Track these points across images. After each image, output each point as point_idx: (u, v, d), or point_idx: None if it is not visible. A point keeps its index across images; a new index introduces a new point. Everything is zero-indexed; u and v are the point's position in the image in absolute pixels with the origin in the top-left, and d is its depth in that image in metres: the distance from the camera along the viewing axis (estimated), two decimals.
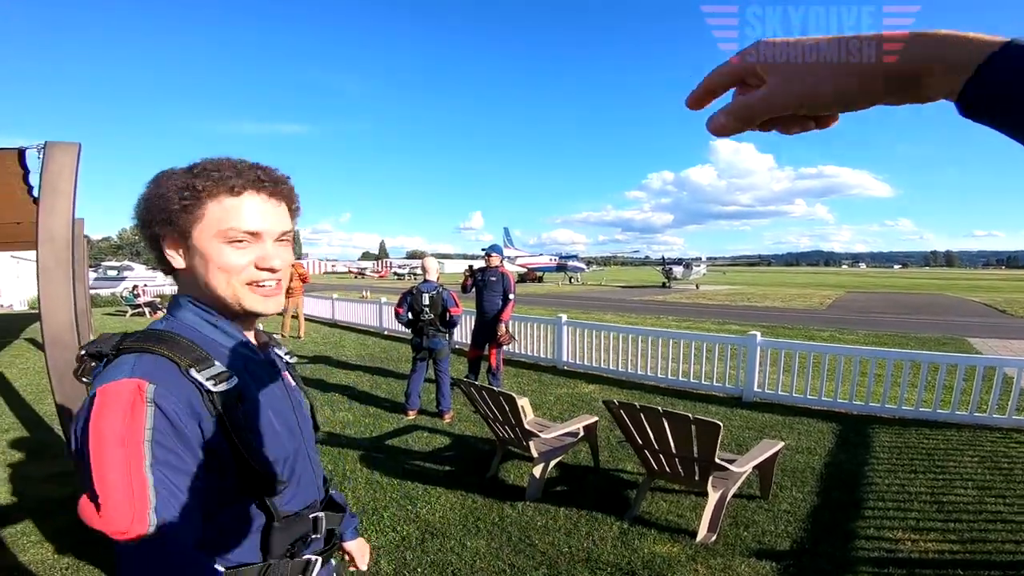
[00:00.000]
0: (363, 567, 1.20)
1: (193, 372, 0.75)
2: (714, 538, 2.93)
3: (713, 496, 2.97)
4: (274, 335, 1.04)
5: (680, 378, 6.38)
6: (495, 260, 5.91)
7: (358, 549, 1.22)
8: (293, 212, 0.91)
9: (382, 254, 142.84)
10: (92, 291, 14.33)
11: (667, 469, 3.12)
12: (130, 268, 27.70)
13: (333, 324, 13.19)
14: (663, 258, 40.37)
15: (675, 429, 2.90)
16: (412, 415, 5.23)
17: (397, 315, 5.22)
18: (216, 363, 0.79)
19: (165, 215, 0.80)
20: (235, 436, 0.76)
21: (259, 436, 0.82)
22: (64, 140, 2.93)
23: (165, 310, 0.91)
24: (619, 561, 2.77)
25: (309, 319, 13.25)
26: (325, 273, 75.94)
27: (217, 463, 0.76)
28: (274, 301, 0.87)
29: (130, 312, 16.02)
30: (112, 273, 26.34)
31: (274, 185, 0.85)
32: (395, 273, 60.51)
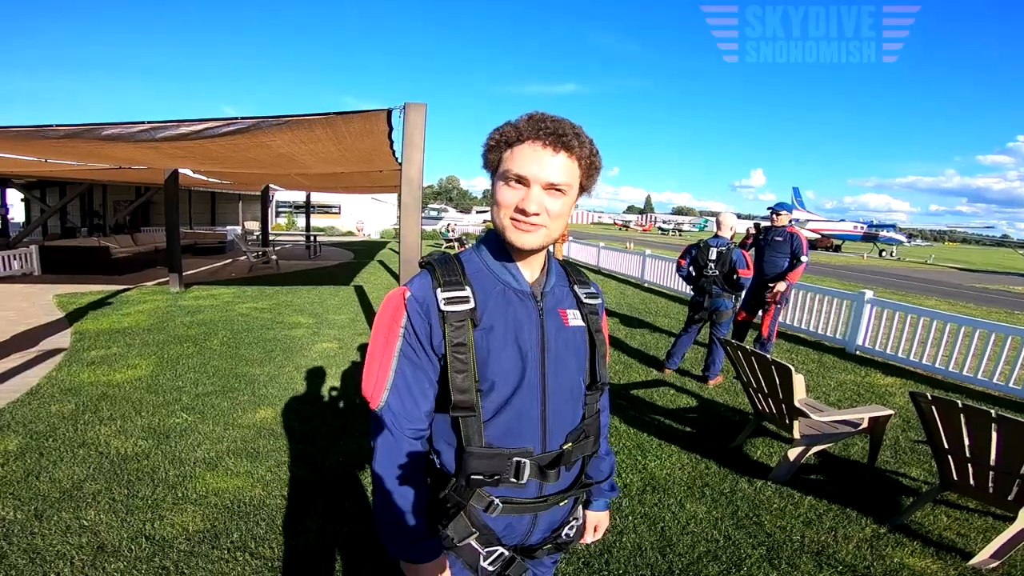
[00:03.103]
0: (587, 540, 1.19)
1: (438, 291, 0.90)
2: (994, 565, 2.30)
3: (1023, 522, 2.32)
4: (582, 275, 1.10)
5: None
6: (783, 219, 5.29)
7: (592, 520, 1.19)
8: (583, 167, 0.92)
9: (647, 208, 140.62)
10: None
11: (971, 482, 2.47)
12: (446, 210, 35.01)
13: (597, 271, 14.01)
14: None
15: (1006, 438, 2.27)
16: (667, 374, 5.12)
17: (679, 267, 5.04)
18: (466, 288, 0.91)
19: (484, 155, 0.95)
20: (449, 351, 0.88)
21: (472, 360, 0.89)
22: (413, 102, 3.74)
23: (468, 245, 1.10)
24: (855, 562, 2.38)
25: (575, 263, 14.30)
26: (592, 223, 79.48)
27: (440, 369, 0.92)
28: (530, 236, 0.90)
29: (444, 245, 20.31)
30: (433, 213, 33.30)
31: (553, 137, 0.87)
32: (659, 228, 59.09)
